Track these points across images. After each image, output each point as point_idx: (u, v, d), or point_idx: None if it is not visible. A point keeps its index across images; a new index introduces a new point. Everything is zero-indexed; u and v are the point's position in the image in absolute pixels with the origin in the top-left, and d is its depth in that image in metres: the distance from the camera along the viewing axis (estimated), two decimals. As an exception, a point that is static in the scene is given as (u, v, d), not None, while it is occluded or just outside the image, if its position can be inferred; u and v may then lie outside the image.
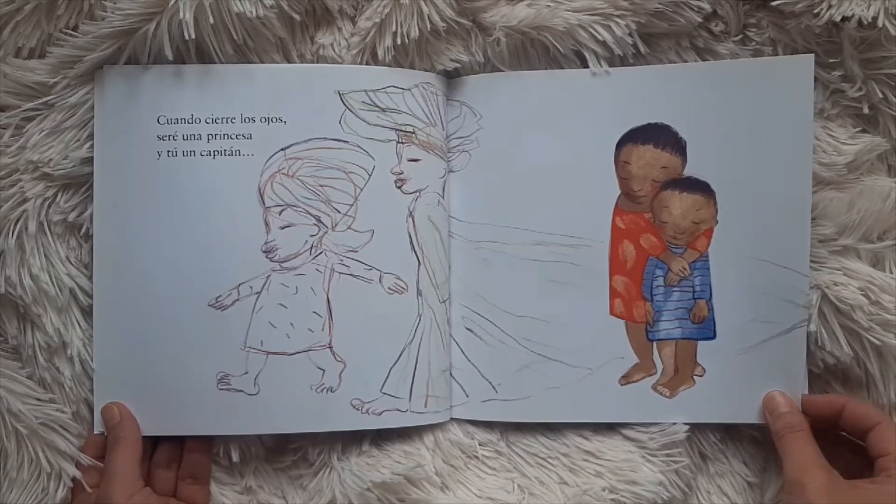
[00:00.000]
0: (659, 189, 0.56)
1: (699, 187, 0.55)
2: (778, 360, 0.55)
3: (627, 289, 0.56)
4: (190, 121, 0.54)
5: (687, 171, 0.56)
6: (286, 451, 0.57)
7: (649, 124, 0.56)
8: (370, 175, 0.55)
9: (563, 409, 0.56)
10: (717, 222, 0.55)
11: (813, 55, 0.54)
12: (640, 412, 0.56)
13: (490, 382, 0.57)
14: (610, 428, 0.57)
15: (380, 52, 0.55)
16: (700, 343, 0.56)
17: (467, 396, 0.57)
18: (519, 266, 0.56)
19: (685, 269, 0.56)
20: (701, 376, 0.56)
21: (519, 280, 0.56)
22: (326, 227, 0.55)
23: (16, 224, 0.54)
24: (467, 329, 0.57)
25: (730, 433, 0.57)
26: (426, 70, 0.56)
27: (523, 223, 0.56)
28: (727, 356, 0.55)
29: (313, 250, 0.55)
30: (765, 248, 0.55)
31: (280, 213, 0.54)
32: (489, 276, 0.57)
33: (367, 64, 0.56)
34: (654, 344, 0.56)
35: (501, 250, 0.57)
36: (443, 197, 0.57)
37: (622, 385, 0.56)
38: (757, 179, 0.54)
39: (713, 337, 0.56)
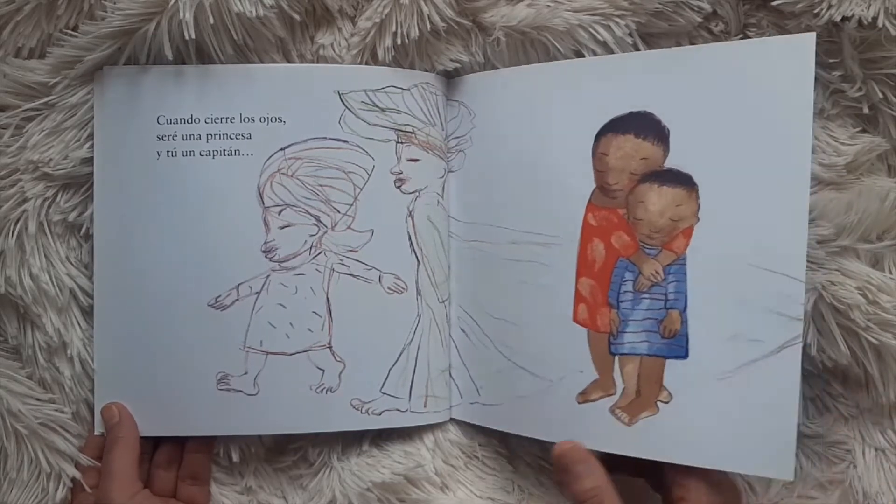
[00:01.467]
0: (636, 183, 0.50)
1: (680, 180, 0.49)
2: (763, 389, 0.46)
3: (593, 293, 0.50)
4: (189, 121, 0.54)
5: (668, 163, 0.49)
6: (286, 451, 0.57)
7: (631, 113, 0.50)
8: (370, 175, 0.55)
9: (524, 422, 0.52)
10: (698, 220, 0.48)
11: (814, 34, 0.47)
12: (594, 437, 0.49)
13: (475, 385, 0.56)
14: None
15: (380, 53, 0.55)
16: (668, 362, 0.48)
17: (461, 397, 0.56)
18: (497, 266, 0.54)
19: (658, 273, 0.49)
20: (667, 403, 0.48)
21: (496, 281, 0.54)
22: (326, 226, 0.55)
23: (16, 224, 0.54)
24: (461, 330, 0.57)
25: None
26: (426, 70, 0.56)
27: (503, 221, 0.54)
28: (700, 381, 0.47)
29: (313, 250, 0.55)
30: (753, 251, 0.47)
31: (279, 212, 0.54)
32: (476, 276, 0.56)
33: (366, 64, 0.56)
34: (617, 359, 0.50)
35: (484, 249, 0.55)
36: (442, 197, 0.57)
37: (580, 403, 0.50)
38: (747, 172, 0.47)
39: (685, 356, 0.48)
